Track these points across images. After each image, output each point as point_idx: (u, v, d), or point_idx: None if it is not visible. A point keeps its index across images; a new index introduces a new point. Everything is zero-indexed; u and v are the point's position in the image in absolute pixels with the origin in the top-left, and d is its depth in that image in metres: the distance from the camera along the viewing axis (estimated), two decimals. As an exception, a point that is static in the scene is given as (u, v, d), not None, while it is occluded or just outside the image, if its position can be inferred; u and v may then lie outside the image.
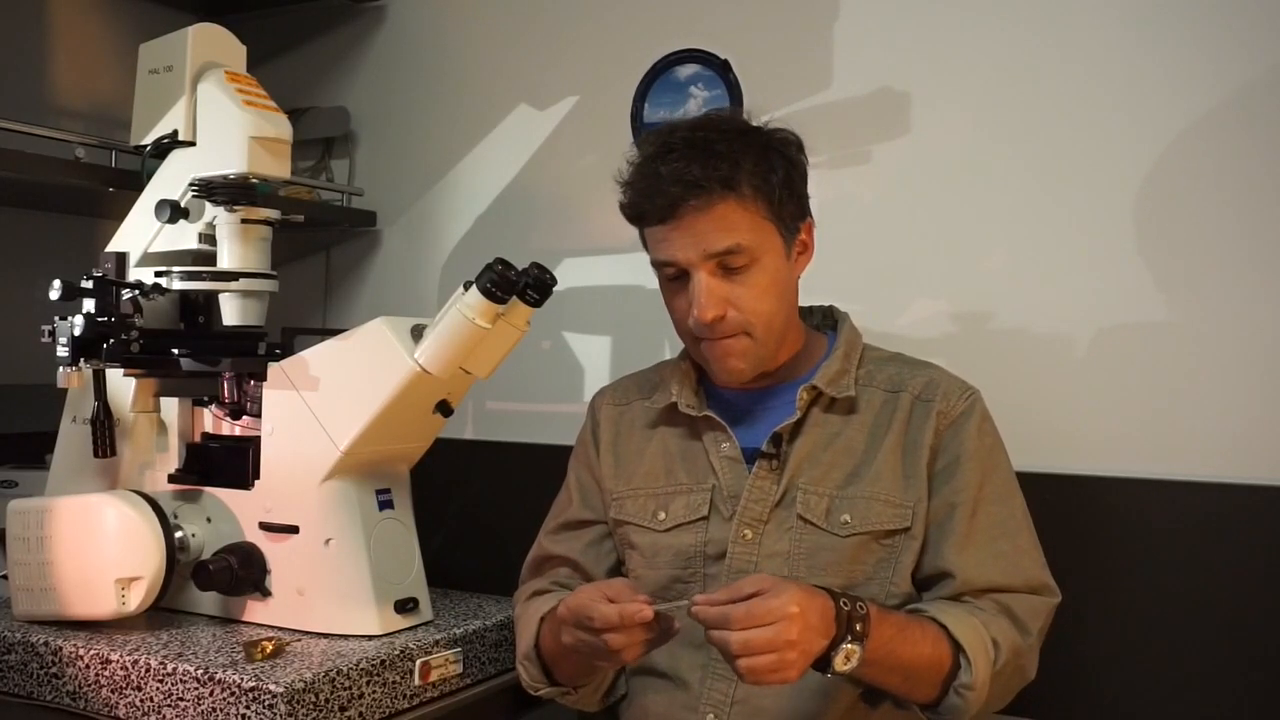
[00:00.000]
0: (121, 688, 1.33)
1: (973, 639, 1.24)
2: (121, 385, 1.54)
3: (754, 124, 1.36)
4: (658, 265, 1.36)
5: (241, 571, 1.45)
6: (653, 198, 1.31)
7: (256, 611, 1.48)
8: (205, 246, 1.54)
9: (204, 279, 1.51)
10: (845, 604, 1.17)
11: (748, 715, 1.31)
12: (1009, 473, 1.37)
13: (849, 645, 1.16)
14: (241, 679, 1.26)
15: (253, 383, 1.50)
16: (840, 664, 1.16)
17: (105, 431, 1.48)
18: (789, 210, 1.34)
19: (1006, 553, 1.32)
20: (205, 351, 1.49)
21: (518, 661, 1.43)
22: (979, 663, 1.23)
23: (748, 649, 1.11)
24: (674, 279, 1.35)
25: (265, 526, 1.47)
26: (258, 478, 1.48)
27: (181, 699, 1.29)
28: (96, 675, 1.35)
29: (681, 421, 1.43)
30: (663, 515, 1.40)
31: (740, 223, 1.30)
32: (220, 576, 1.44)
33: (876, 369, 1.41)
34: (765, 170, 1.31)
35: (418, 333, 1.41)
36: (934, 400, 1.36)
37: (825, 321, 1.49)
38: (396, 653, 1.40)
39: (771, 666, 1.11)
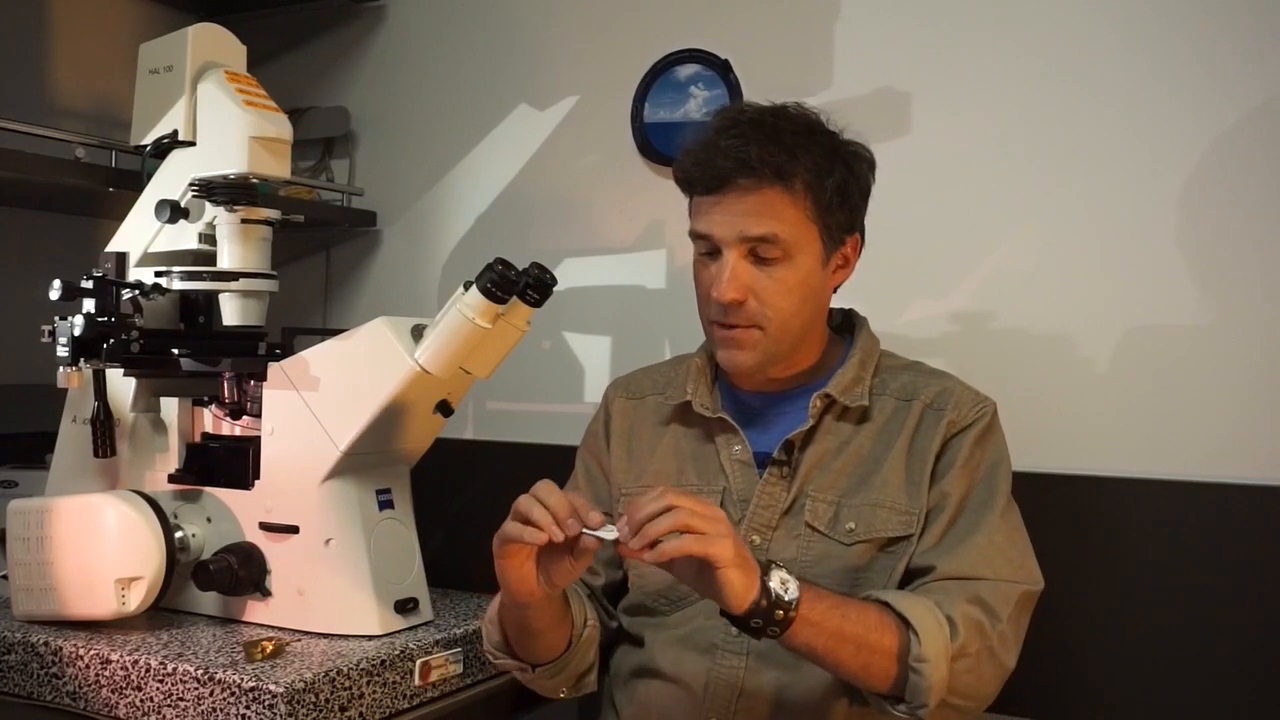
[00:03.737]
0: (121, 688, 1.33)
1: (920, 612, 1.20)
2: (121, 385, 1.54)
3: (829, 127, 1.35)
4: (694, 238, 1.35)
5: (241, 571, 1.45)
6: (704, 168, 1.31)
7: (256, 611, 1.48)
8: (205, 246, 1.54)
9: (204, 279, 1.51)
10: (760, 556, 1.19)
11: None
12: (1004, 484, 1.33)
13: (779, 571, 1.16)
14: (241, 679, 1.26)
15: (253, 383, 1.50)
16: (777, 585, 1.14)
17: (105, 431, 1.48)
18: (837, 218, 1.33)
19: (980, 546, 1.28)
20: (205, 351, 1.49)
21: (483, 623, 1.40)
22: (929, 634, 1.18)
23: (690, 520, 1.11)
24: (706, 254, 1.34)
25: (265, 526, 1.47)
26: (258, 478, 1.48)
27: (181, 699, 1.29)
28: (96, 675, 1.35)
29: (695, 421, 1.43)
30: None
31: (784, 214, 1.29)
32: (220, 576, 1.44)
33: (890, 377, 1.39)
34: (822, 171, 1.30)
35: (418, 333, 1.41)
36: (945, 409, 1.35)
37: (844, 324, 1.47)
38: (396, 653, 1.40)
39: (702, 527, 1.11)
